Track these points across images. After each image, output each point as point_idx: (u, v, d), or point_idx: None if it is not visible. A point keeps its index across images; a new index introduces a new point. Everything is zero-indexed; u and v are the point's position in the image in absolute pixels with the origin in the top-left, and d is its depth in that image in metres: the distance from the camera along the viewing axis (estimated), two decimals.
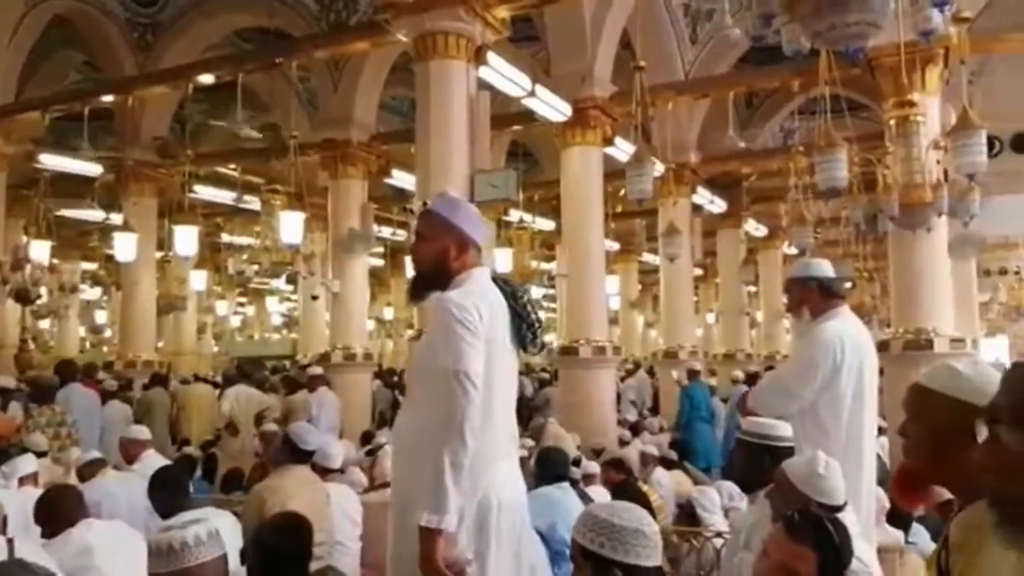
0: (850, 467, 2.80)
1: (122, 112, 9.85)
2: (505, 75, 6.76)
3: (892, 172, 5.73)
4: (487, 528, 2.17)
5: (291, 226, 7.65)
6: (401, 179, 9.98)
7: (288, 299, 22.08)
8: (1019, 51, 6.94)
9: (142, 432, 4.86)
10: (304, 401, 7.76)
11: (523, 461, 5.53)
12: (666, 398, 10.54)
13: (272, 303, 23.85)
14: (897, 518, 3.84)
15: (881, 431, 3.97)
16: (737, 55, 9.64)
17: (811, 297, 3.13)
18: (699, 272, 16.45)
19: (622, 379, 12.29)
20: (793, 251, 10.14)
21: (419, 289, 2.43)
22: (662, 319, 11.87)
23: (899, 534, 3.74)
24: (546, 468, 4.11)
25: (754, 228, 13.24)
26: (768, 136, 12.26)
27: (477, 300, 2.19)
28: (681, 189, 10.47)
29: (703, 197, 11.15)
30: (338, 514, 3.95)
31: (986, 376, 1.36)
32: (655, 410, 11.00)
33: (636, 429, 8.74)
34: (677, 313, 11.11)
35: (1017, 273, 15.03)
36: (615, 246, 15.05)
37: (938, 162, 5.54)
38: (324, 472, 4.04)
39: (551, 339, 11.02)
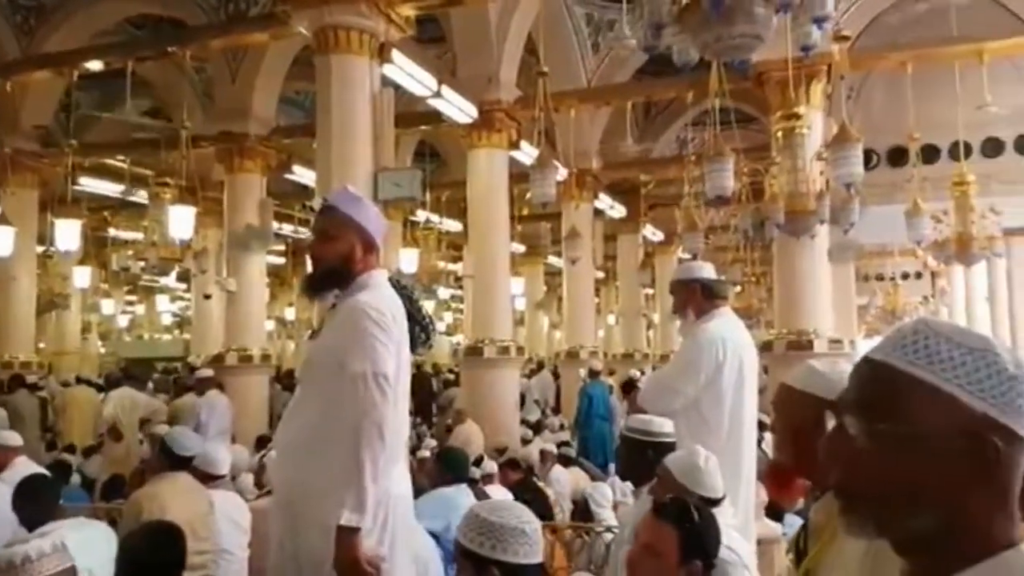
0: (730, 461, 2.93)
1: (1, 98, 9.21)
2: (410, 74, 6.73)
3: (778, 182, 6.04)
4: (386, 524, 2.21)
5: (181, 221, 7.34)
6: (303, 175, 9.76)
7: (181, 298, 21.18)
8: (896, 69, 7.43)
9: (12, 438, 4.55)
10: (192, 405, 7.45)
11: (425, 462, 5.57)
12: (568, 397, 10.73)
13: (163, 302, 22.80)
14: (775, 511, 4.04)
15: (765, 427, 4.17)
16: (637, 65, 9.92)
17: (694, 298, 3.25)
18: (601, 275, 16.84)
19: (527, 378, 12.46)
20: (687, 256, 10.52)
21: (317, 285, 2.39)
22: (565, 320, 12.09)
23: (777, 527, 3.93)
24: (445, 469, 4.11)
25: (651, 233, 13.68)
26: (665, 145, 12.68)
27: (390, 303, 2.22)
28: (583, 194, 10.69)
29: (604, 202, 11.43)
30: (224, 522, 3.81)
31: (840, 373, 1.45)
32: (557, 409, 11.17)
33: (538, 428, 8.94)
34: (579, 314, 11.35)
35: (893, 279, 16.14)
36: (521, 248, 15.22)
37: (821, 173, 5.89)
38: (208, 479, 3.89)
39: (458, 340, 11.03)
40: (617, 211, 12.06)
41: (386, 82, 6.41)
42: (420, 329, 2.34)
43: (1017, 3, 8.31)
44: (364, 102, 6.06)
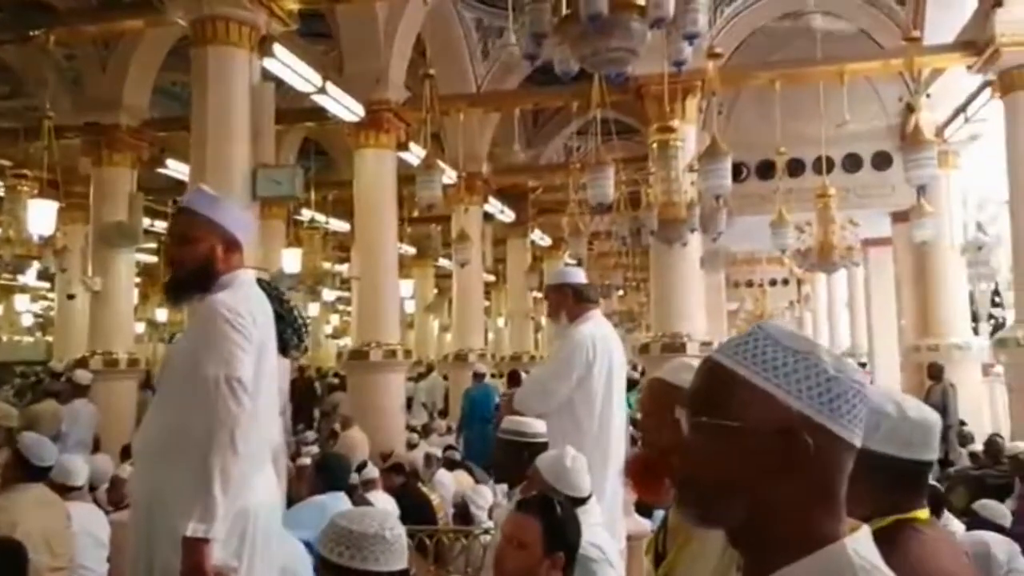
0: (598, 460, 3.03)
1: None
2: (293, 69, 6.56)
3: (653, 191, 6.30)
4: (245, 536, 2.14)
5: (41, 216, 6.85)
6: (177, 170, 9.30)
7: (44, 297, 19.71)
8: (765, 87, 7.88)
9: None
10: (52, 412, 6.95)
11: (305, 469, 5.42)
12: (457, 400, 10.73)
13: (23, 301, 21.13)
14: (647, 507, 4.19)
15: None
16: (526, 73, 10.07)
17: (567, 302, 3.35)
18: (491, 278, 16.98)
19: (415, 381, 12.38)
20: (572, 261, 10.78)
21: (179, 292, 2.29)
22: (454, 323, 12.09)
23: (647, 523, 4.08)
24: (323, 476, 4.02)
25: (540, 238, 13.92)
26: (553, 152, 12.96)
27: (251, 304, 2.15)
28: (473, 198, 10.75)
29: (494, 206, 11.53)
30: (81, 536, 3.60)
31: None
32: (445, 412, 11.16)
33: (426, 431, 8.91)
34: (468, 317, 11.39)
35: (761, 285, 17.17)
36: (411, 250, 15.12)
37: (692, 184, 6.17)
38: (65, 490, 3.65)
39: (345, 342, 10.82)
40: (506, 215, 12.20)
41: (267, 76, 6.22)
42: (292, 331, 2.28)
43: (875, 27, 9.01)
44: (243, 96, 5.85)
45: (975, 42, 7.21)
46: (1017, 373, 7.01)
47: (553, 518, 2.07)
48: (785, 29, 9.29)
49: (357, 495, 4.46)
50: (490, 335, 20.12)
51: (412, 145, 8.50)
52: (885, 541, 1.41)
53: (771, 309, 17.23)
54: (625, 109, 8.55)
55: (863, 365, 11.13)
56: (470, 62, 9.91)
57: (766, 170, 9.57)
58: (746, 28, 8.72)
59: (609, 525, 2.92)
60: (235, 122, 5.85)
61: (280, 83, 6.67)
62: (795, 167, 9.25)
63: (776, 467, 0.83)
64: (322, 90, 7.08)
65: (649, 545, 1.77)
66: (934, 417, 1.48)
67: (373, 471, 5.20)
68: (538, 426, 2.94)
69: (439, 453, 6.73)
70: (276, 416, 2.39)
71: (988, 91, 7.56)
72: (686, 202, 6.03)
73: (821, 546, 0.83)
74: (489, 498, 4.86)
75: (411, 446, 7.46)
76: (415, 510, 4.87)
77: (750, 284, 17.88)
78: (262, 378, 2.14)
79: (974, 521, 3.95)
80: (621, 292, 14.80)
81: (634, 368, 9.41)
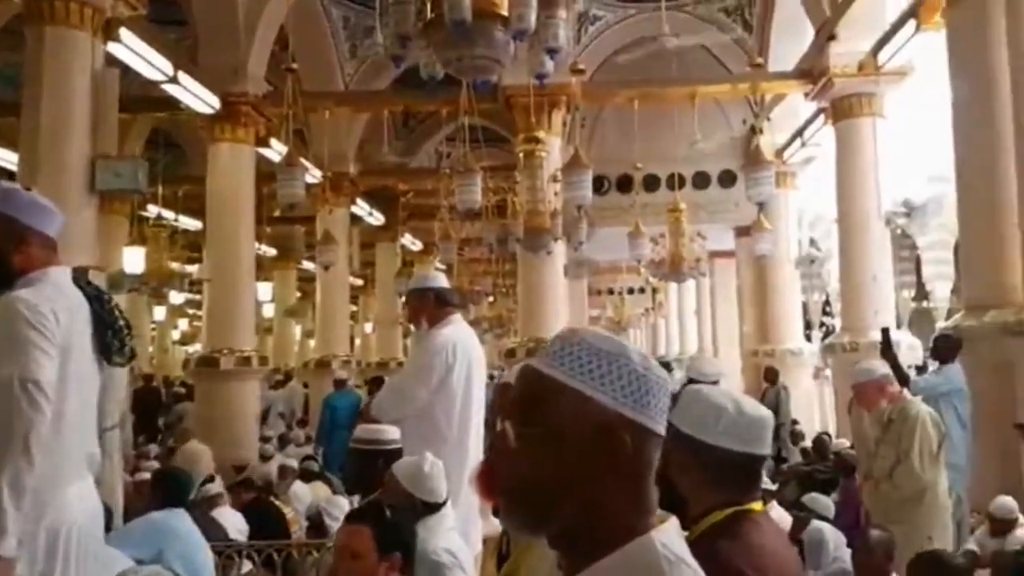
0: (456, 465, 3.02)
1: None
2: (141, 55, 6.15)
3: (520, 200, 6.42)
4: (56, 554, 1.97)
5: None
6: (6, 158, 8.47)
7: None
8: (625, 105, 8.21)
9: None
10: None
11: (144, 484, 5.06)
12: (317, 409, 10.42)
13: None
14: None
15: None
16: (396, 75, 9.97)
17: (427, 307, 3.33)
18: (359, 282, 16.64)
19: (273, 389, 11.92)
20: (442, 266, 10.78)
21: None
22: (317, 328, 11.75)
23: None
24: (161, 492, 3.77)
25: (411, 242, 13.79)
26: (425, 156, 12.90)
27: (53, 302, 1.97)
28: (339, 199, 10.50)
29: (362, 209, 11.31)
30: None
31: None
32: (305, 422, 10.80)
33: (283, 442, 8.62)
34: (333, 322, 11.11)
35: (620, 293, 17.93)
36: (272, 251, 14.56)
37: (556, 194, 6.35)
38: None
39: (195, 349, 10.24)
40: (375, 218, 12.00)
41: (112, 62, 5.80)
42: (112, 335, 2.11)
43: (724, 52, 9.62)
44: (83, 82, 5.42)
45: (811, 71, 7.85)
46: (843, 376, 7.68)
47: (383, 522, 2.07)
48: (643, 50, 9.74)
49: (198, 512, 4.24)
50: (357, 341, 19.71)
51: (273, 141, 8.19)
52: (726, 531, 1.52)
53: (629, 316, 18.02)
54: (495, 118, 8.66)
55: None
56: (337, 60, 9.69)
57: (626, 184, 9.98)
58: (609, 47, 9.07)
59: (464, 530, 2.92)
60: (73, 109, 5.42)
61: (128, 69, 6.24)
62: (651, 182, 9.72)
63: (600, 468, 0.85)
64: (174, 79, 6.69)
65: (494, 549, 1.79)
66: (767, 414, 1.61)
67: (216, 487, 4.96)
68: (392, 433, 2.90)
69: (296, 465, 6.51)
70: (93, 425, 2.19)
71: (822, 117, 8.25)
72: (550, 211, 6.18)
73: (632, 539, 0.85)
74: (345, 509, 4.73)
75: (265, 458, 7.18)
76: (267, 525, 4.70)
77: (611, 292, 18.64)
78: (69, 382, 1.98)
79: (803, 513, 4.31)
80: (491, 298, 14.93)
81: (497, 373, 9.52)
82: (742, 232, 10.55)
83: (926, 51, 6.58)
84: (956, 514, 4.47)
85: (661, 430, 0.89)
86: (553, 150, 7.14)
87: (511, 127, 8.32)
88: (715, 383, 5.31)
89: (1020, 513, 4.14)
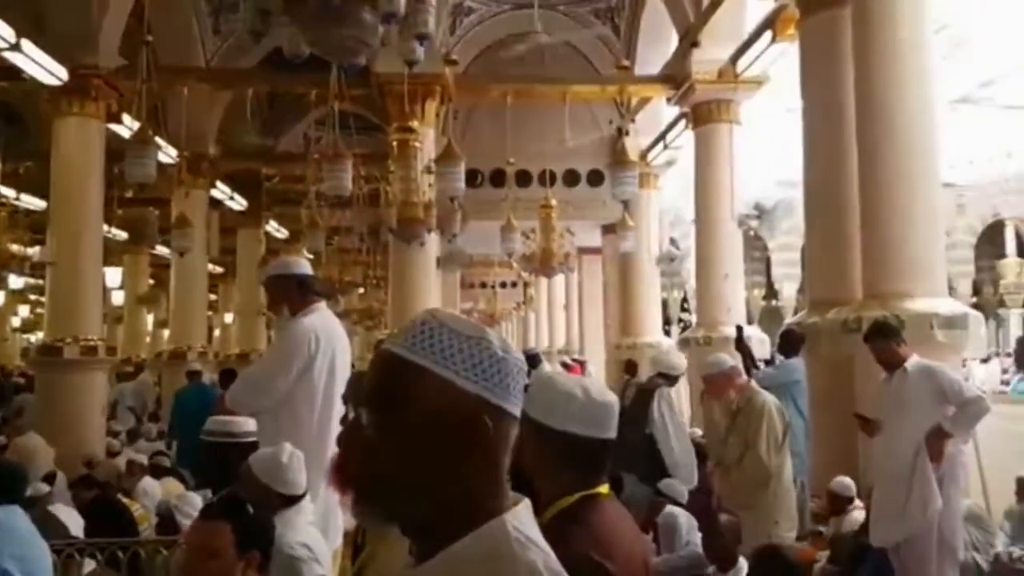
0: (317, 457, 2.93)
1: None
2: None
3: (393, 190, 6.33)
4: None
5: None
6: None
7: None
8: (499, 100, 8.25)
9: None
10: None
11: None
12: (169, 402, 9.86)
13: None
14: None
15: None
16: (263, 55, 9.55)
17: (290, 294, 3.21)
18: (219, 270, 15.86)
19: (121, 381, 11.18)
20: (310, 256, 10.44)
21: None
22: (171, 317, 11.13)
23: None
24: None
25: (275, 229, 13.30)
26: (292, 141, 12.43)
27: None
28: (197, 181, 9.95)
29: (223, 192, 10.79)
30: None
31: None
32: (157, 416, 10.19)
33: (132, 436, 8.16)
34: (188, 311, 10.59)
35: (493, 287, 18.10)
36: (123, 235, 13.63)
37: (430, 185, 6.30)
38: None
39: (38, 337, 9.44)
40: (237, 203, 11.48)
41: None
42: None
43: (594, 53, 9.87)
44: None
45: (675, 76, 8.20)
46: (697, 368, 8.09)
47: (244, 517, 1.95)
48: (518, 47, 9.84)
49: (36, 510, 3.94)
50: (216, 332, 18.79)
51: (125, 117, 7.64)
52: (573, 516, 1.56)
53: (501, 309, 18.22)
54: (368, 104, 8.47)
55: (581, 362, 12.14)
56: (199, 35, 9.17)
57: (499, 178, 10.04)
58: (483, 41, 9.10)
59: (323, 523, 2.85)
60: None
61: None
62: (523, 178, 9.84)
63: (462, 452, 0.84)
64: (15, 47, 6.18)
65: (349, 540, 1.76)
66: (614, 399, 1.66)
67: (58, 484, 4.62)
68: (246, 425, 2.79)
69: (145, 460, 6.14)
70: None
71: (684, 122, 8.64)
72: (424, 202, 6.13)
73: (486, 521, 0.84)
74: (199, 505, 4.51)
75: (112, 453, 6.77)
76: (111, 522, 4.43)
77: (484, 285, 18.76)
78: None
79: (658, 498, 4.54)
80: (362, 289, 14.63)
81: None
82: (609, 229, 10.90)
83: (781, 61, 7.00)
84: (799, 499, 4.80)
85: (518, 413, 0.88)
86: (427, 140, 7.08)
87: (384, 115, 8.17)
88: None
89: (856, 497, 4.40)
